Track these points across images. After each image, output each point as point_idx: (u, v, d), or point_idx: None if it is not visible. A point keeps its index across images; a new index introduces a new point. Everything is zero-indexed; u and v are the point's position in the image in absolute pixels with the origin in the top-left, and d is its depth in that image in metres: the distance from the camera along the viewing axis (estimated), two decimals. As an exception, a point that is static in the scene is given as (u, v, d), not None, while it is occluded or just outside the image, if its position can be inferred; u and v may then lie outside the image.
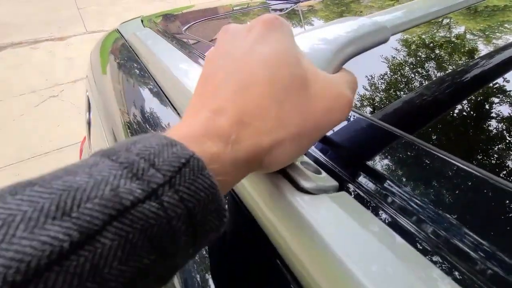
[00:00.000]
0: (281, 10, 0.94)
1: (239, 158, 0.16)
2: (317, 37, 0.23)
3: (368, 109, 0.33)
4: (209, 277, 0.20)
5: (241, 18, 0.91)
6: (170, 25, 0.83)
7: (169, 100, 0.41)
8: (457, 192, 0.18)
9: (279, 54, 0.18)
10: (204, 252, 0.22)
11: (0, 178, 1.97)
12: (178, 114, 0.37)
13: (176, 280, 0.22)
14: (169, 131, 0.16)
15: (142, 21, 0.90)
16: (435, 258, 0.14)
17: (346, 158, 0.23)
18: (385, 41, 0.21)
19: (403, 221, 0.17)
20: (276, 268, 0.17)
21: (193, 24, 0.76)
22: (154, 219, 0.12)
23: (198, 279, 0.21)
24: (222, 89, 0.17)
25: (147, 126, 0.40)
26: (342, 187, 0.19)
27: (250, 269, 0.19)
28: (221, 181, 0.15)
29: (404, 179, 0.20)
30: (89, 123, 0.81)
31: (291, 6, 0.95)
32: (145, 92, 0.47)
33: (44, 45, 3.75)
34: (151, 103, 0.45)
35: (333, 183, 0.18)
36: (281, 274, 0.17)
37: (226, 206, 0.14)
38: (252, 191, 0.20)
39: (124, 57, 0.63)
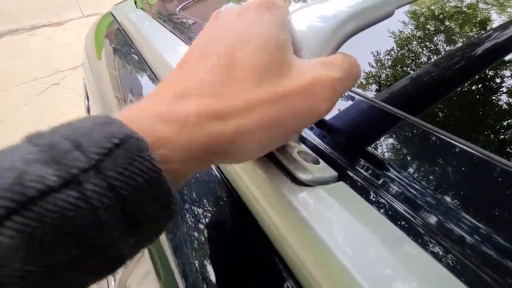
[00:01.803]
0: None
1: (196, 145, 0.14)
2: (315, 13, 0.21)
3: (370, 90, 0.31)
4: (207, 265, 0.20)
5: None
6: (164, 5, 0.80)
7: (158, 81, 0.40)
8: (470, 180, 0.17)
9: (264, 37, 0.16)
10: (203, 240, 0.21)
11: (9, 167, 2.01)
12: None
13: (174, 265, 0.22)
14: (120, 111, 0.14)
15: (135, 2, 0.87)
16: (444, 258, 0.13)
17: (346, 143, 0.21)
18: (390, 15, 0.19)
19: (405, 212, 0.16)
20: (273, 263, 0.17)
21: (188, 3, 0.72)
22: (73, 210, 0.10)
23: (197, 265, 0.21)
24: (194, 71, 0.16)
25: None
26: (342, 176, 0.18)
27: (247, 263, 0.18)
28: (171, 170, 0.13)
29: (409, 166, 0.19)
30: (88, 111, 0.80)
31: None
32: (139, 78, 0.45)
33: (41, 31, 3.69)
34: (146, 89, 0.44)
35: (332, 173, 0.17)
36: (278, 269, 0.16)
37: (174, 192, 0.13)
38: (247, 184, 0.19)
39: (117, 42, 0.61)
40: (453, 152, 0.19)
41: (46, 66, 3.08)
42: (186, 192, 0.25)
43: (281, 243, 0.16)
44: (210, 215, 0.22)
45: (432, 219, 0.15)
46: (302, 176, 0.17)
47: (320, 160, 0.18)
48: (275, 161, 0.18)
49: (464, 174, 0.18)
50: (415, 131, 0.21)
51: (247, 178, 0.19)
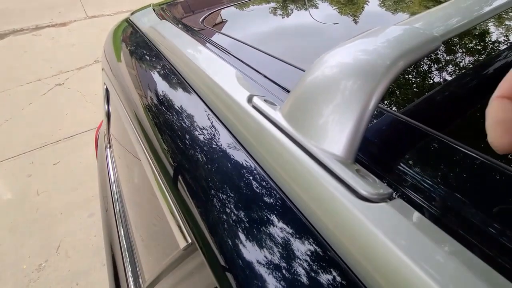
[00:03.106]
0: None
1: None
2: (363, 48, 0.23)
3: (406, 110, 0.33)
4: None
5: (254, 4, 0.89)
6: (184, 15, 0.82)
7: (195, 91, 0.41)
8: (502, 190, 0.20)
9: None
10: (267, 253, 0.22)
11: (14, 166, 2.02)
12: (208, 106, 0.37)
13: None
14: None
15: (154, 9, 0.89)
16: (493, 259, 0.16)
17: (393, 162, 0.24)
18: (435, 51, 0.22)
19: (450, 222, 0.18)
20: (338, 267, 0.19)
21: (209, 15, 0.75)
22: None
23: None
24: None
25: (180, 123, 0.41)
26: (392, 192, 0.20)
27: (311, 273, 0.20)
28: None
29: (449, 183, 0.21)
30: (108, 115, 0.82)
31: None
32: (171, 88, 0.47)
33: (46, 31, 3.71)
34: (178, 97, 0.45)
35: (388, 190, 0.20)
36: (346, 276, 0.18)
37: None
38: (309, 197, 0.21)
39: (144, 52, 0.63)
40: (483, 167, 0.21)
41: (50, 66, 3.10)
42: (243, 203, 0.26)
43: (350, 251, 0.18)
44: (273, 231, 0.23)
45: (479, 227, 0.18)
46: (364, 192, 0.19)
47: (376, 178, 0.21)
48: (337, 177, 0.20)
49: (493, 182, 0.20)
50: (450, 151, 0.23)
51: (309, 190, 0.21)
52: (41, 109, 2.54)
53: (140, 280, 0.61)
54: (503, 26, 0.50)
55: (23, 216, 1.71)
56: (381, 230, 0.17)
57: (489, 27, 0.50)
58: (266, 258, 0.22)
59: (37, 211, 1.74)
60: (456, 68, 0.40)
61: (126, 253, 0.70)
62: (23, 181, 1.92)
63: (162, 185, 0.38)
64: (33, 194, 1.84)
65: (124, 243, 0.72)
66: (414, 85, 0.37)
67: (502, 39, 0.46)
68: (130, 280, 0.66)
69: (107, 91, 0.78)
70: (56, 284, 1.43)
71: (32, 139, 2.23)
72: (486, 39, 0.47)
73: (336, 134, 0.22)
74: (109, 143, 0.89)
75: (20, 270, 1.48)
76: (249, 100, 0.30)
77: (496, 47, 0.44)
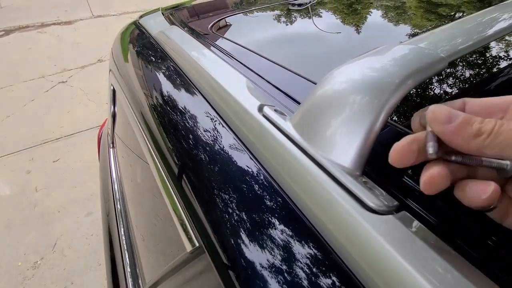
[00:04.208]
0: (299, 5, 0.94)
1: None
2: (370, 65, 0.24)
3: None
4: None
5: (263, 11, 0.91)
6: (192, 20, 0.84)
7: (205, 98, 0.42)
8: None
9: None
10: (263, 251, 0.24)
11: (14, 163, 2.02)
12: (217, 112, 0.38)
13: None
14: None
15: (162, 14, 0.91)
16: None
17: (399, 176, 0.25)
18: (440, 72, 0.23)
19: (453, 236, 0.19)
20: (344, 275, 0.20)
21: (217, 21, 0.77)
22: None
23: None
24: None
25: (190, 129, 0.42)
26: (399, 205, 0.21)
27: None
28: None
29: (453, 197, 0.22)
30: (113, 116, 0.83)
31: (310, 2, 0.95)
32: (184, 94, 0.48)
33: (51, 29, 3.73)
34: (186, 101, 0.46)
35: (395, 202, 0.21)
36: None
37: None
38: (315, 205, 0.22)
39: (153, 55, 0.64)
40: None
41: (54, 64, 3.11)
42: (251, 211, 0.27)
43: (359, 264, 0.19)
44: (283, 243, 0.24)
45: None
46: (372, 204, 0.20)
47: (383, 191, 0.22)
48: (345, 189, 0.21)
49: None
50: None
51: (318, 200, 0.22)
52: (43, 106, 2.55)
53: (140, 281, 0.61)
54: (505, 42, 0.51)
55: (21, 213, 1.71)
56: (387, 240, 0.18)
57: (497, 47, 0.51)
58: (275, 264, 0.22)
59: (35, 208, 1.74)
60: (463, 83, 0.41)
61: (126, 253, 0.70)
62: (22, 177, 1.92)
63: (170, 188, 0.38)
64: (31, 191, 1.84)
65: (124, 243, 0.73)
66: (419, 99, 0.39)
67: (506, 55, 0.47)
68: (129, 280, 0.67)
69: (113, 92, 0.79)
70: (51, 283, 1.42)
71: (32, 135, 2.23)
72: (495, 57, 0.48)
73: (345, 147, 0.23)
74: (113, 143, 0.90)
75: (15, 267, 1.47)
76: (260, 109, 0.31)
77: (503, 65, 0.45)
